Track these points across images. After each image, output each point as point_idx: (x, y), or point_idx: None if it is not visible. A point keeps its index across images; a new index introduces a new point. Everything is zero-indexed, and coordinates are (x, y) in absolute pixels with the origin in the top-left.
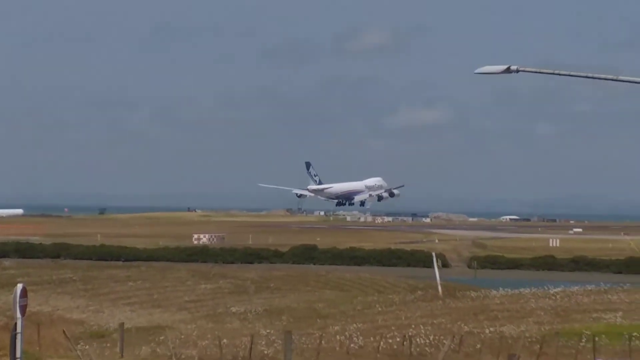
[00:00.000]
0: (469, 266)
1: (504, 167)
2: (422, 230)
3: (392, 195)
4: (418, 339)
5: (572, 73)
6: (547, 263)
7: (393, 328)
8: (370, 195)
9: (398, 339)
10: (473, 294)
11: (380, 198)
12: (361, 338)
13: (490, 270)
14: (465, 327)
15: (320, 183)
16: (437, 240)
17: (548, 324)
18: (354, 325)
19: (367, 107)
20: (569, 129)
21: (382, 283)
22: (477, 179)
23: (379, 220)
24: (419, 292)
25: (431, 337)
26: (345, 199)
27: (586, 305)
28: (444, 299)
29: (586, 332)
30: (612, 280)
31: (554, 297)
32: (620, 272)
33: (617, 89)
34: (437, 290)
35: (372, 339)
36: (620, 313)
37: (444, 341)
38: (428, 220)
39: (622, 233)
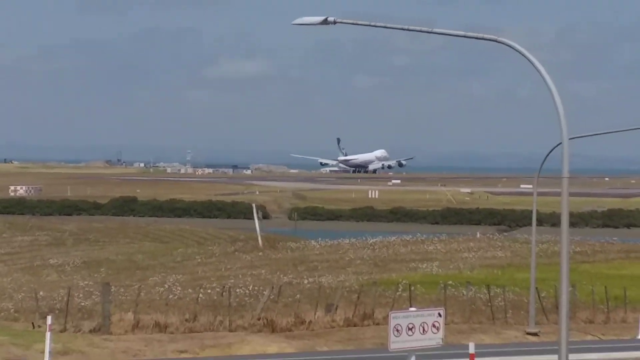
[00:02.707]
0: (290, 217)
1: (324, 119)
2: (243, 182)
3: (400, 165)
4: (237, 290)
5: (388, 25)
6: (366, 214)
7: (213, 279)
8: (382, 165)
9: (217, 290)
10: (293, 245)
11: (389, 167)
12: (180, 289)
13: (311, 222)
14: (285, 277)
15: (346, 155)
16: (257, 192)
17: (366, 273)
18: (174, 276)
19: (186, 58)
20: (388, 81)
21: (202, 234)
22: (298, 131)
23: (199, 172)
24: (240, 243)
25: (250, 287)
26: (361, 167)
27: (404, 255)
28: (264, 250)
29: (403, 282)
30: (429, 230)
31: (372, 248)
32: (437, 223)
33: (433, 43)
34: (258, 241)
35: (191, 290)
36: (436, 262)
37: (264, 292)
38: (249, 172)
39: (439, 184)
